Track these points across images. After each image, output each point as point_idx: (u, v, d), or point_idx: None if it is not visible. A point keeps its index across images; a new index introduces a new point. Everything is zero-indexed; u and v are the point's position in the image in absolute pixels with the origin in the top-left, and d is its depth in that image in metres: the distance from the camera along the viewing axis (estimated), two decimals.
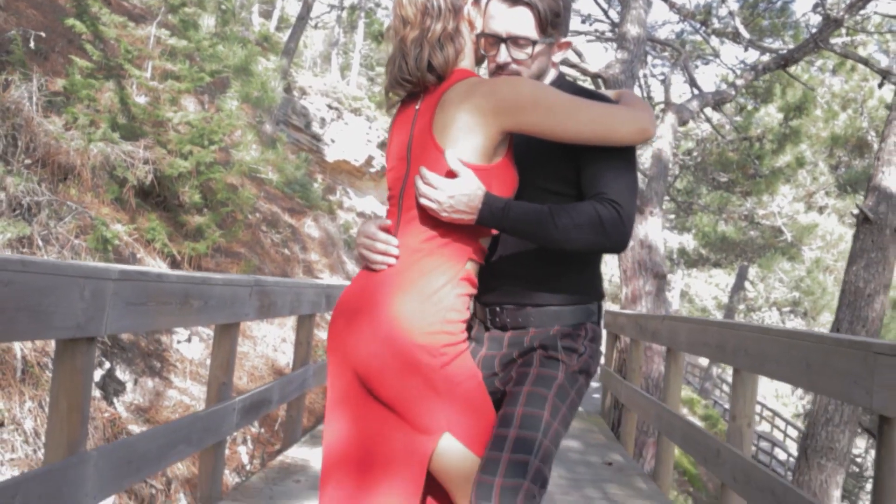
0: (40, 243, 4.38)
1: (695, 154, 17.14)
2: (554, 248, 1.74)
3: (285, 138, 13.90)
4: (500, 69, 1.88)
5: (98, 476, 2.48)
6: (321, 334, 8.06)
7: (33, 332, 2.14)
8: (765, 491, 3.22)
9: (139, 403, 5.11)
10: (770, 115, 17.56)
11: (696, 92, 10.58)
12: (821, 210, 23.14)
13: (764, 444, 26.38)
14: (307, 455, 4.93)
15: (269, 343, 7.12)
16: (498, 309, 1.91)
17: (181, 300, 3.01)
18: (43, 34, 7.30)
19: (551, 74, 1.97)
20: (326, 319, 8.16)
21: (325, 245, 11.18)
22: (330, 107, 19.36)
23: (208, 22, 7.75)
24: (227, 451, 4.65)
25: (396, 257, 1.74)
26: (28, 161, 4.56)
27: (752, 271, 26.52)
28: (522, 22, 1.83)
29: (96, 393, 4.32)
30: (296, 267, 9.25)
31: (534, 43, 1.84)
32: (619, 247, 1.72)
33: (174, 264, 6.69)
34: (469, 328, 1.92)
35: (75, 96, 6.40)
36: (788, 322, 19.40)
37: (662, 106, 10.16)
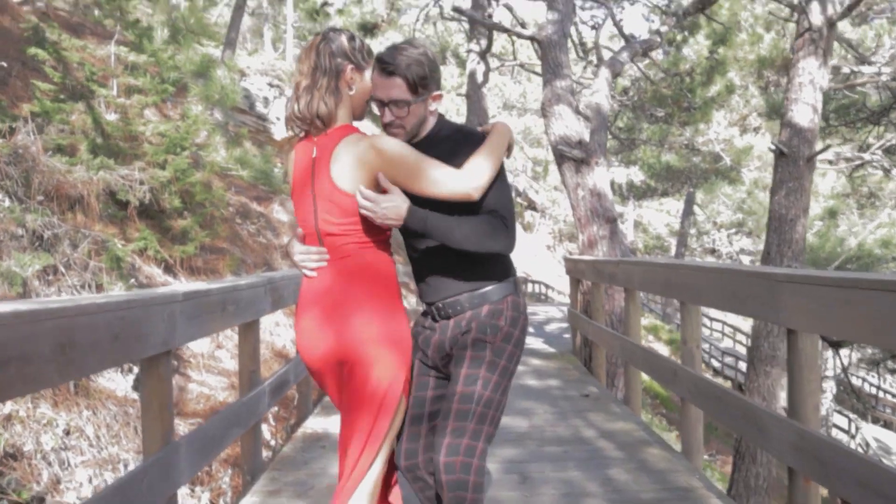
0: (63, 270, 4.89)
1: (631, 93, 17.83)
2: (458, 248, 2.29)
3: (239, 129, 14.24)
4: (388, 126, 2.43)
5: (187, 459, 3.10)
6: None
7: (137, 353, 2.72)
8: (712, 398, 3.96)
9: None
10: (699, 43, 18.26)
11: (624, 43, 11.21)
12: (756, 131, 24.13)
13: (728, 360, 27.83)
14: (323, 424, 5.57)
15: (265, 328, 7.69)
16: (441, 304, 2.48)
17: (221, 308, 3.61)
18: (3, 64, 7.66)
19: (431, 121, 2.49)
20: None
21: (294, 227, 11.70)
22: (271, 85, 19.60)
23: (161, 33, 8.13)
24: None
25: (328, 261, 2.36)
26: (41, 198, 5.03)
27: (700, 196, 27.53)
28: (397, 89, 2.35)
29: (133, 395, 4.89)
30: (274, 253, 9.77)
31: (408, 103, 2.37)
32: (507, 248, 2.32)
33: (167, 268, 7.19)
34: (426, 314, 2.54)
35: (48, 120, 6.81)
36: (735, 242, 20.42)
37: (596, 62, 10.79)
